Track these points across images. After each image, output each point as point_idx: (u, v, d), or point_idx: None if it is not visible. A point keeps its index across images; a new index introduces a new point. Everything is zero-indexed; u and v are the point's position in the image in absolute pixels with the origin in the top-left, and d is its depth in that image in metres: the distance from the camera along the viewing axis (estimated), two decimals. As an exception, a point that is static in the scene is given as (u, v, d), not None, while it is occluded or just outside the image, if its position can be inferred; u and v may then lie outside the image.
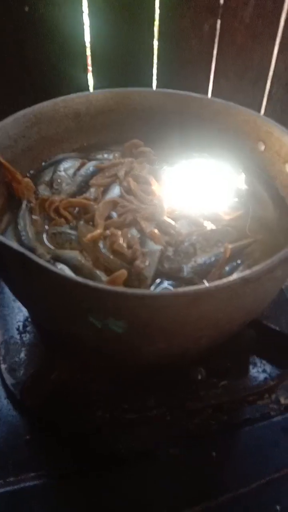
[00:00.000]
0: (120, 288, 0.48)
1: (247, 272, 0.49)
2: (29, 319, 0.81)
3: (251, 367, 0.76)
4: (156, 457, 0.67)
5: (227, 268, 0.65)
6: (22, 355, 0.76)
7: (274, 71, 1.29)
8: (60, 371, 0.70)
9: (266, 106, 1.34)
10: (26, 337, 0.78)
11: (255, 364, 0.76)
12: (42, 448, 0.67)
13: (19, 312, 0.82)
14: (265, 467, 0.67)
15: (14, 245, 0.51)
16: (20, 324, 0.80)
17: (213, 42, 1.20)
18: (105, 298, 0.48)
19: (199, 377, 0.74)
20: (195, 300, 0.48)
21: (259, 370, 0.76)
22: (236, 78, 1.28)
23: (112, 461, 0.65)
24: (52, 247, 0.69)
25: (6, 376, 0.73)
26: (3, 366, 0.74)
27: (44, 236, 0.71)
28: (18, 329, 0.79)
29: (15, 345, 0.77)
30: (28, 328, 0.80)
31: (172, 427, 0.69)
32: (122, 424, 0.68)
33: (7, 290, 0.85)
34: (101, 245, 0.64)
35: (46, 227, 0.72)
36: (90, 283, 0.47)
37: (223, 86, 1.28)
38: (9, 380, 0.72)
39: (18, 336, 0.78)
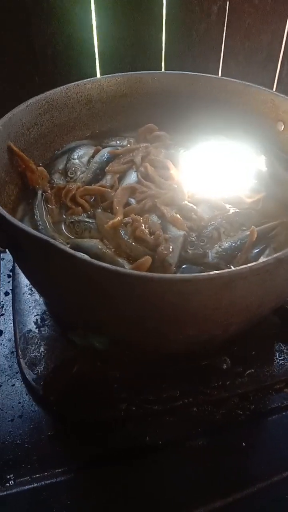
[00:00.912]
0: (149, 274, 0.46)
1: (281, 252, 0.47)
2: (47, 312, 0.79)
3: (277, 354, 0.74)
4: (183, 448, 0.65)
5: (253, 253, 0.63)
6: (42, 349, 0.74)
7: (284, 52, 1.27)
8: (81, 364, 0.68)
9: (276, 88, 1.31)
10: (45, 330, 0.77)
11: (281, 351, 0.74)
12: (66, 443, 0.66)
13: (36, 306, 0.80)
14: (296, 456, 0.65)
15: (37, 233, 0.49)
16: (38, 318, 0.78)
17: (222, 25, 1.17)
18: (134, 284, 0.46)
19: (224, 366, 0.72)
20: (228, 283, 0.46)
21: (286, 357, 0.74)
22: (245, 60, 1.26)
23: (138, 453, 0.64)
24: (71, 236, 0.67)
25: (26, 371, 0.71)
26: (22, 361, 0.72)
27: (62, 226, 0.69)
28: (36, 323, 0.78)
29: (34, 339, 0.75)
30: (46, 322, 0.78)
31: (198, 417, 0.67)
32: (147, 415, 0.66)
33: (22, 283, 0.84)
34: (122, 232, 0.62)
35: (64, 216, 0.70)
36: (118, 268, 0.45)
37: (232, 69, 1.25)
38: (29, 375, 0.70)
39: (36, 330, 0.77)
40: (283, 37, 1.25)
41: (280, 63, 1.30)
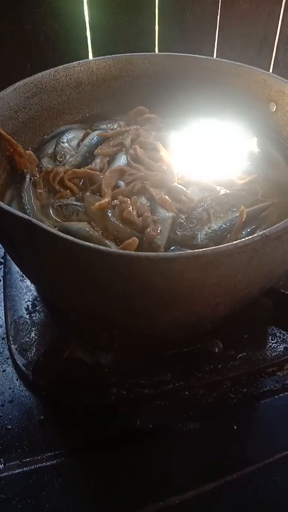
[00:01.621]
0: (133, 252, 0.45)
1: (268, 229, 0.46)
2: (38, 298, 0.79)
3: (269, 337, 0.73)
4: (175, 432, 0.65)
5: (243, 233, 0.62)
6: (33, 334, 0.73)
7: (279, 37, 1.25)
8: (72, 349, 0.68)
9: (272, 72, 1.29)
10: (36, 316, 0.76)
11: (274, 335, 0.74)
12: (56, 427, 0.65)
13: (28, 292, 0.80)
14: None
15: (20, 213, 0.48)
16: (29, 303, 0.78)
17: (217, 8, 1.15)
18: (118, 263, 0.45)
19: (216, 350, 0.71)
20: (213, 261, 0.45)
21: (278, 341, 0.73)
22: (241, 44, 1.24)
23: (130, 437, 0.64)
24: (58, 220, 0.66)
25: (17, 356, 0.71)
26: (13, 347, 0.72)
27: (50, 209, 0.68)
28: (27, 309, 0.77)
29: (25, 325, 0.75)
30: (37, 308, 0.77)
31: (190, 401, 0.67)
32: (138, 399, 0.66)
33: (14, 270, 0.83)
34: (109, 213, 0.61)
35: (52, 200, 0.69)
36: (102, 248, 0.44)
37: (227, 54, 1.23)
38: (20, 361, 0.70)
39: (27, 316, 0.76)
40: (278, 20, 1.23)
41: (275, 47, 1.28)
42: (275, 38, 1.26)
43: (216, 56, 1.25)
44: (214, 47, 1.24)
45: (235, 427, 0.65)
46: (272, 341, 0.73)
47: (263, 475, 0.61)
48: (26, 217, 0.47)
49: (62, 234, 0.45)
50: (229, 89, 0.82)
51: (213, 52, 1.24)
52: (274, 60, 1.29)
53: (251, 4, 1.19)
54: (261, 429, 0.66)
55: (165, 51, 1.15)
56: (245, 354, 0.71)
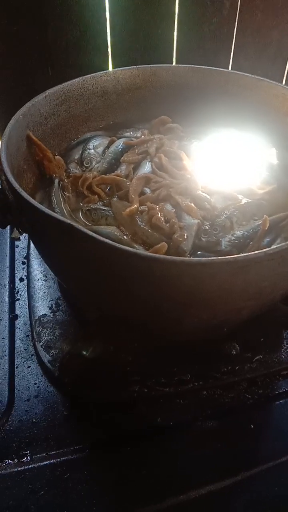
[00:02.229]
0: (169, 257, 0.48)
1: (295, 239, 0.49)
2: (61, 298, 0.81)
3: (285, 341, 0.76)
4: (193, 430, 0.68)
5: (264, 242, 0.65)
6: (57, 332, 0.76)
7: (293, 48, 1.28)
8: (96, 347, 0.70)
9: (285, 83, 1.33)
10: (60, 315, 0.79)
11: (288, 339, 0.77)
12: (81, 422, 0.68)
13: (51, 292, 0.82)
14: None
15: (60, 217, 0.51)
16: (53, 303, 0.81)
17: (234, 20, 1.19)
18: (153, 267, 0.48)
19: (234, 352, 0.74)
20: (243, 267, 0.48)
21: (293, 345, 0.76)
22: (255, 55, 1.27)
23: (149, 434, 0.66)
24: (87, 223, 0.69)
25: (42, 353, 0.73)
26: (38, 344, 0.74)
27: (80, 213, 0.71)
28: (51, 308, 0.80)
29: (48, 323, 0.77)
30: (61, 307, 0.80)
31: (209, 400, 0.70)
32: (159, 398, 0.69)
33: (37, 269, 0.86)
34: (138, 219, 0.64)
35: (80, 204, 0.72)
36: (140, 252, 0.47)
37: (242, 63, 1.27)
38: (45, 358, 0.73)
39: (51, 315, 0.79)
40: (292, 32, 1.27)
41: (289, 59, 1.31)
42: (289, 50, 1.29)
43: (232, 66, 1.28)
44: (230, 57, 1.27)
45: (252, 426, 0.68)
46: (287, 345, 0.76)
47: (278, 472, 0.64)
48: (68, 221, 0.50)
49: (102, 238, 0.48)
50: (249, 102, 0.85)
51: (229, 62, 1.28)
52: (288, 71, 1.33)
53: (267, 15, 1.22)
54: (276, 428, 0.69)
55: (183, 60, 1.19)
56: (261, 356, 0.73)
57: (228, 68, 1.26)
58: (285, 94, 0.80)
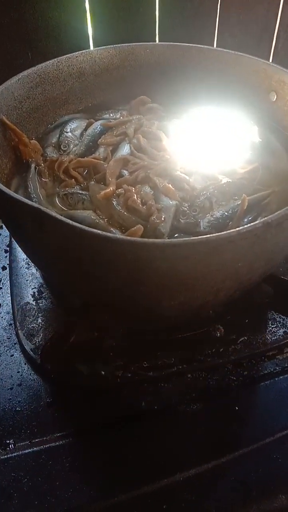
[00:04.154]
0: (140, 239, 0.47)
1: (269, 216, 0.48)
2: (44, 285, 0.80)
3: (269, 322, 0.75)
4: (178, 413, 0.67)
5: (244, 221, 0.64)
6: (39, 320, 0.75)
7: (280, 24, 1.25)
8: (78, 333, 0.69)
9: (272, 61, 1.30)
10: (42, 303, 0.78)
11: (274, 320, 0.76)
12: (64, 409, 0.68)
13: (33, 279, 0.82)
14: (287, 418, 0.67)
15: (29, 201, 0.50)
16: (35, 290, 0.80)
17: (217, -5, 1.16)
18: (125, 250, 0.47)
19: (218, 334, 0.73)
20: (217, 247, 0.47)
21: (278, 325, 0.75)
22: (241, 33, 1.24)
23: (135, 418, 0.66)
24: (64, 208, 0.67)
25: (24, 341, 0.73)
26: (20, 332, 0.74)
27: (56, 198, 0.70)
28: (33, 296, 0.79)
29: (31, 311, 0.77)
30: (43, 294, 0.79)
31: (193, 383, 0.69)
32: (143, 382, 0.68)
33: (20, 258, 0.85)
34: (114, 202, 0.63)
35: (57, 189, 0.70)
36: (110, 235, 0.46)
37: (228, 42, 1.24)
38: (27, 346, 0.72)
39: (33, 303, 0.78)
40: (278, 7, 1.23)
41: (276, 35, 1.28)
42: (275, 26, 1.26)
43: (217, 44, 1.25)
44: (214, 35, 1.24)
45: (237, 408, 0.67)
46: (272, 326, 0.75)
47: (263, 453, 0.64)
48: (35, 205, 0.49)
49: (71, 222, 0.47)
50: (230, 79, 0.83)
51: (214, 40, 1.25)
52: (274, 48, 1.30)
53: (251, -9, 1.19)
54: (262, 409, 0.69)
55: (166, 40, 1.16)
56: (246, 338, 0.73)
57: (213, 46, 1.23)
58: (266, 70, 0.78)
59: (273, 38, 1.29)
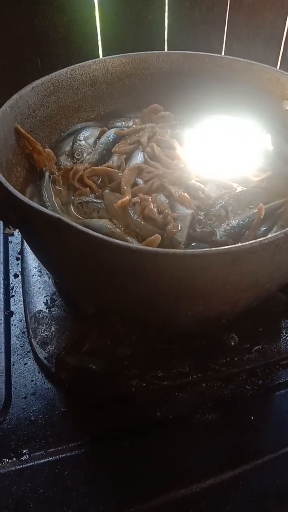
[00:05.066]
0: (161, 249, 0.46)
1: (290, 227, 0.47)
2: (57, 293, 0.80)
3: (284, 331, 0.75)
4: (192, 423, 0.67)
5: (260, 230, 0.64)
6: (52, 328, 0.75)
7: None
8: (92, 342, 0.69)
9: (280, 67, 1.30)
10: (55, 310, 0.78)
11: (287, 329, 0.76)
12: (79, 418, 0.67)
13: (46, 287, 0.81)
14: (303, 428, 0.66)
15: (49, 211, 0.50)
16: (48, 298, 0.79)
17: (225, 3, 1.16)
18: (145, 260, 0.47)
19: (232, 343, 0.73)
20: (237, 258, 0.46)
21: (292, 334, 0.75)
22: (248, 39, 1.24)
23: (149, 427, 0.65)
24: (79, 217, 0.67)
25: (38, 350, 0.72)
26: (34, 341, 0.74)
27: (71, 207, 0.69)
28: (46, 304, 0.79)
29: (44, 319, 0.76)
30: (56, 302, 0.79)
31: (208, 392, 0.69)
32: (158, 391, 0.68)
33: (32, 265, 0.85)
34: (131, 211, 0.63)
35: (72, 197, 0.70)
36: (131, 245, 0.46)
37: (235, 48, 1.24)
38: (41, 354, 0.72)
39: (46, 311, 0.78)
40: (286, 13, 1.24)
41: (284, 42, 1.28)
42: (283, 33, 1.26)
43: (225, 50, 1.25)
44: (222, 41, 1.24)
45: (252, 418, 0.67)
46: (286, 334, 0.75)
47: (280, 463, 0.63)
48: (56, 214, 0.49)
49: (92, 232, 0.47)
50: (242, 87, 0.83)
51: (222, 46, 1.25)
52: (282, 54, 1.30)
53: (259, -2, 1.19)
54: (277, 419, 0.68)
55: (175, 46, 1.16)
56: (260, 347, 0.72)
57: (221, 53, 1.24)
58: (279, 78, 0.78)
59: (281, 44, 1.30)
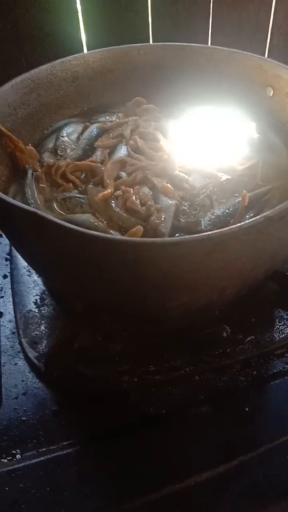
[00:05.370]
0: (140, 239, 0.46)
1: (271, 211, 0.46)
2: (46, 292, 0.80)
3: (277, 320, 0.74)
4: (187, 417, 0.66)
5: (246, 218, 0.63)
6: (42, 327, 0.74)
7: (273, 21, 1.24)
8: (82, 339, 0.68)
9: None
10: (45, 310, 0.77)
11: (281, 317, 0.75)
12: (70, 417, 0.66)
13: (35, 286, 0.81)
14: (299, 418, 0.65)
15: (27, 206, 0.49)
16: (37, 297, 0.79)
17: (209, -5, 1.15)
18: (125, 251, 0.46)
19: (224, 334, 0.72)
20: (219, 244, 0.46)
21: (286, 323, 0.74)
22: (234, 31, 1.24)
23: (143, 423, 0.64)
24: (63, 213, 0.67)
25: (28, 349, 0.72)
26: (24, 341, 0.73)
27: (54, 203, 0.69)
28: (35, 303, 0.78)
29: (34, 319, 0.76)
30: (46, 301, 0.78)
31: (201, 385, 0.68)
32: (150, 386, 0.67)
33: (20, 265, 0.84)
34: (113, 204, 0.62)
35: (55, 194, 0.70)
36: (109, 236, 0.45)
37: (221, 41, 1.23)
38: (31, 354, 0.71)
39: (36, 310, 0.77)
40: (271, 5, 1.23)
41: (269, 33, 1.27)
42: (268, 24, 1.26)
43: (211, 44, 1.25)
44: (208, 35, 1.23)
45: (247, 409, 0.66)
46: (279, 324, 0.74)
47: (276, 454, 0.62)
48: (32, 209, 0.48)
49: (69, 225, 0.46)
50: (225, 76, 0.82)
51: (207, 40, 1.24)
52: (269, 46, 1.29)
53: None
54: (272, 410, 0.67)
55: (160, 41, 1.15)
56: (253, 337, 0.71)
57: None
58: (261, 65, 0.77)
59: (266, 37, 1.29)
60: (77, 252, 0.50)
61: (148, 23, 1.15)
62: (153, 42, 1.17)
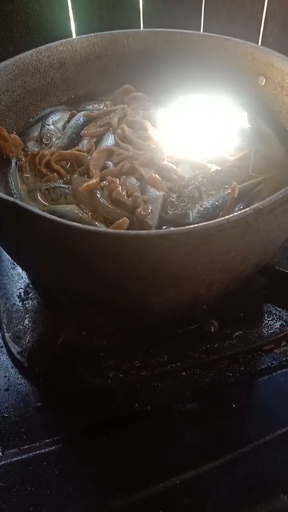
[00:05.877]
0: (124, 231, 0.44)
1: (260, 203, 0.45)
2: (30, 285, 0.77)
3: (265, 315, 0.73)
4: (173, 413, 0.65)
5: (236, 210, 0.61)
6: (26, 322, 0.73)
7: (267, 9, 1.21)
8: (67, 334, 0.67)
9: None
10: (29, 303, 0.75)
11: (270, 312, 0.73)
12: (54, 413, 0.65)
13: (19, 280, 0.79)
14: (286, 415, 0.64)
15: (5, 196, 0.47)
16: (21, 291, 0.77)
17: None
18: (109, 243, 0.44)
19: (212, 329, 0.71)
20: (206, 237, 0.44)
21: (274, 318, 0.73)
22: (227, 19, 1.21)
23: (128, 420, 0.63)
24: (46, 204, 0.64)
25: (11, 344, 0.70)
26: (7, 335, 0.71)
27: (38, 193, 0.66)
28: (19, 297, 0.76)
29: (17, 313, 0.74)
30: (30, 295, 0.76)
31: (188, 381, 0.67)
32: (136, 382, 0.66)
33: (4, 258, 0.82)
34: (98, 194, 0.60)
35: (39, 184, 0.67)
36: (92, 228, 0.43)
37: (214, 29, 1.20)
38: (14, 349, 0.69)
39: (20, 304, 0.75)
40: (265, -7, 1.20)
41: (263, 20, 1.25)
42: (262, 11, 1.23)
43: (203, 31, 1.22)
44: (200, 22, 1.21)
45: (234, 406, 0.65)
46: (268, 319, 0.72)
47: (263, 452, 0.61)
48: (12, 199, 0.46)
49: (49, 215, 0.44)
50: (216, 64, 0.80)
51: (200, 28, 1.21)
52: (263, 34, 1.26)
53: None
54: (260, 406, 0.66)
55: (150, 27, 1.13)
56: (241, 332, 0.70)
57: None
58: (253, 53, 0.75)
59: (260, 24, 1.26)
60: (58, 244, 0.48)
61: (139, 9, 1.12)
62: (144, 28, 1.14)
